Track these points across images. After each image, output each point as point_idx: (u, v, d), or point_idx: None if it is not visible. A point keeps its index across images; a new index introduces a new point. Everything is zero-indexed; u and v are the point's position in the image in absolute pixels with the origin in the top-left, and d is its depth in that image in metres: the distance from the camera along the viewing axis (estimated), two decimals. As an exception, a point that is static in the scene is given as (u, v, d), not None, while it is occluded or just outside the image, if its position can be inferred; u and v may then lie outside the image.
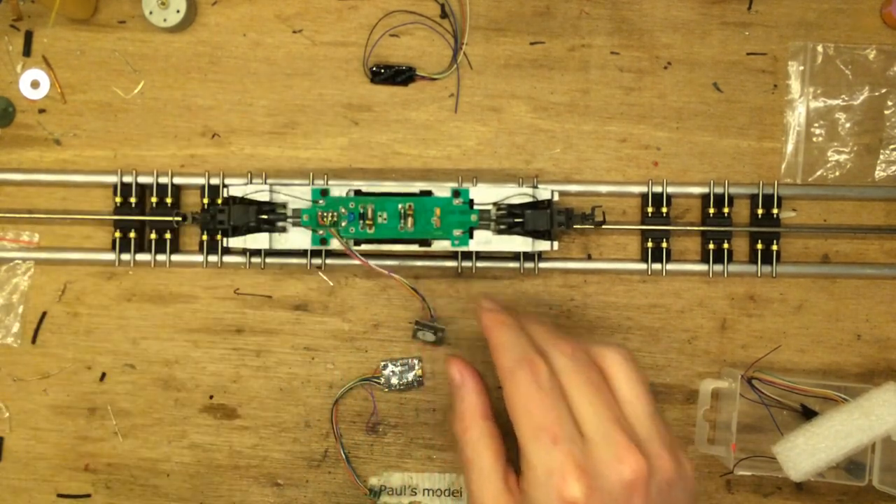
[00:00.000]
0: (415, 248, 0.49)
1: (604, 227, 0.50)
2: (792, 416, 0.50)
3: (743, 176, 0.52)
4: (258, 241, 0.48)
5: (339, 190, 0.49)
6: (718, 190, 0.51)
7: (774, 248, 0.51)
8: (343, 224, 0.49)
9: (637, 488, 0.36)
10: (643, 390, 0.39)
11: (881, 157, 0.52)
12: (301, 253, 0.50)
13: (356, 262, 0.48)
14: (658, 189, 0.51)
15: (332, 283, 0.52)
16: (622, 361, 0.39)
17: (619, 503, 0.36)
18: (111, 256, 0.51)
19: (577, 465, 0.36)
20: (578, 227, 0.49)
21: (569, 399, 0.37)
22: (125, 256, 0.50)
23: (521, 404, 0.37)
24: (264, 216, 0.48)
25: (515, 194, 0.49)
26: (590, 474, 0.36)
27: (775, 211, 0.51)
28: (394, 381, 0.51)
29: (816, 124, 0.52)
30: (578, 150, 0.52)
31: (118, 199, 0.50)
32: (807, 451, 0.45)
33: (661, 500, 0.37)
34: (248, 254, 0.50)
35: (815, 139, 0.52)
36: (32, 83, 0.52)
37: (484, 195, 0.49)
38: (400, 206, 0.48)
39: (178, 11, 0.50)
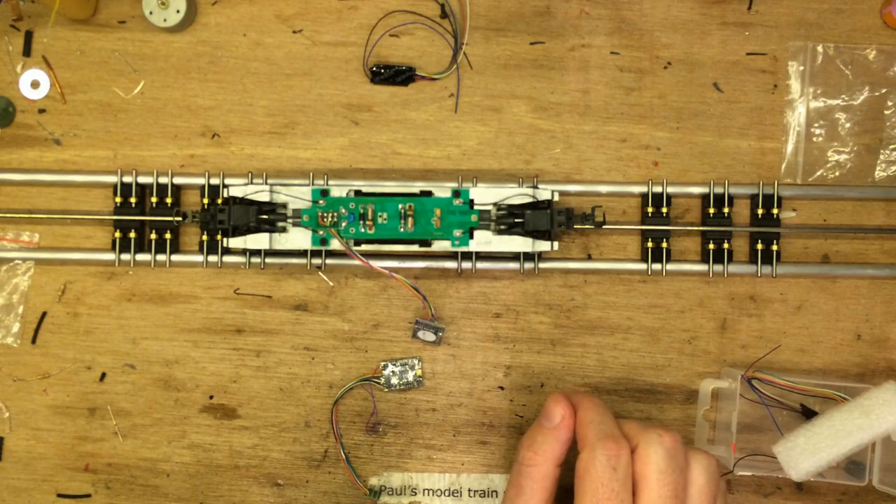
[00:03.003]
0: (415, 248, 0.49)
1: (604, 227, 0.50)
2: (792, 416, 0.50)
3: (743, 176, 0.52)
4: (258, 241, 0.48)
5: (339, 190, 0.49)
6: (718, 190, 0.51)
7: (774, 248, 0.51)
8: (343, 224, 0.49)
9: None
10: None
11: (881, 157, 0.52)
12: (301, 253, 0.50)
13: (356, 262, 0.48)
14: (658, 189, 0.51)
15: (332, 283, 0.52)
16: (709, 470, 0.40)
17: None
18: (111, 256, 0.51)
19: None
20: (578, 227, 0.49)
21: (641, 490, 0.38)
22: (125, 256, 0.50)
23: (590, 482, 0.38)
24: (264, 216, 0.48)
25: (515, 194, 0.49)
26: None
27: (775, 211, 0.51)
28: (394, 381, 0.51)
29: (816, 124, 0.52)
30: (578, 150, 0.52)
31: (118, 199, 0.50)
32: (807, 451, 0.45)
33: None
34: (248, 254, 0.50)
35: (815, 139, 0.52)
36: (32, 83, 0.52)
37: (484, 195, 0.49)
38: (400, 206, 0.49)
39: (178, 11, 0.50)
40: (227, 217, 0.48)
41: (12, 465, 0.51)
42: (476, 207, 0.49)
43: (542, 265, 0.50)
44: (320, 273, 0.52)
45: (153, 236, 0.50)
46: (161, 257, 0.50)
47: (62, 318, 0.51)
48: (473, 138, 0.52)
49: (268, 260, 0.50)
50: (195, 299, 0.51)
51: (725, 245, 0.51)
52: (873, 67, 0.52)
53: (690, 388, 0.52)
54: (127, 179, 0.51)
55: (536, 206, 0.49)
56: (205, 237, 0.51)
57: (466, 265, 0.50)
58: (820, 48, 0.52)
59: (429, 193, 0.49)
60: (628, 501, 0.37)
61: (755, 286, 0.52)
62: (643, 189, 0.51)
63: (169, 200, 0.51)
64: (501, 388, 0.51)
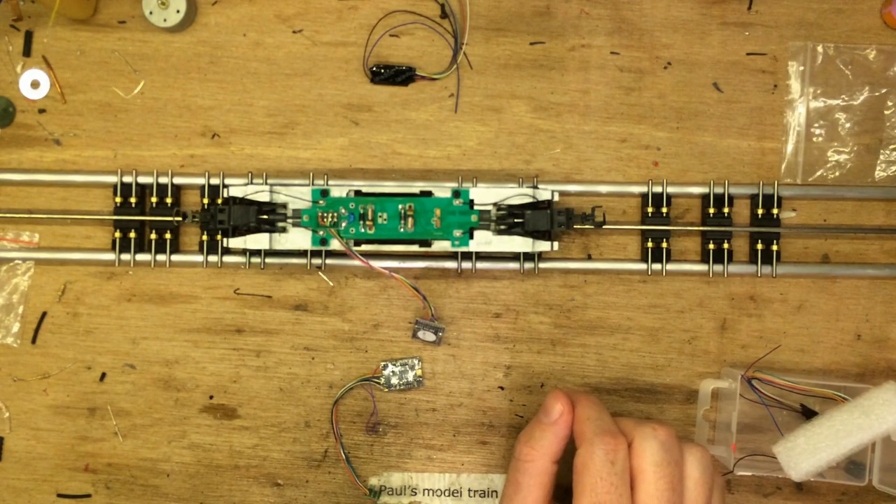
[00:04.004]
0: (415, 248, 0.49)
1: (604, 227, 0.50)
2: (792, 416, 0.50)
3: (743, 176, 0.52)
4: (258, 241, 0.48)
5: (339, 190, 0.49)
6: (718, 190, 0.51)
7: (774, 248, 0.51)
8: (343, 224, 0.49)
9: None
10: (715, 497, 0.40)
11: (881, 157, 0.52)
12: (301, 253, 0.50)
13: (356, 262, 0.48)
14: (658, 189, 0.51)
15: (332, 283, 0.52)
16: (703, 463, 0.40)
17: None
18: (111, 256, 0.51)
19: None
20: (578, 227, 0.49)
21: (639, 484, 0.38)
22: (125, 256, 0.50)
23: (588, 476, 0.38)
24: (264, 216, 0.48)
25: (515, 195, 0.49)
26: None
27: (775, 211, 0.51)
28: (394, 381, 0.51)
29: (816, 124, 0.52)
30: (578, 150, 0.52)
31: (118, 199, 0.50)
32: (807, 451, 0.45)
33: None
34: (248, 254, 0.50)
35: (815, 139, 0.52)
36: (32, 83, 0.52)
37: (484, 195, 0.49)
38: (400, 206, 0.49)
39: (178, 11, 0.50)
40: (227, 217, 0.48)
41: (12, 465, 0.51)
42: (476, 207, 0.49)
43: (542, 265, 0.50)
44: (320, 273, 0.52)
45: (153, 236, 0.50)
46: (161, 257, 0.50)
47: (62, 318, 0.51)
48: (473, 138, 0.52)
49: (268, 260, 0.50)
50: (195, 299, 0.51)
51: (725, 245, 0.51)
52: (873, 67, 0.52)
53: (690, 388, 0.52)
54: (127, 179, 0.51)
55: (536, 206, 0.49)
56: (205, 237, 0.51)
57: (466, 265, 0.50)
58: (820, 48, 0.52)
59: (429, 193, 0.49)
60: (626, 495, 0.37)
61: (755, 286, 0.52)
62: (643, 189, 0.51)
63: (169, 200, 0.51)
64: (501, 388, 0.51)
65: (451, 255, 0.51)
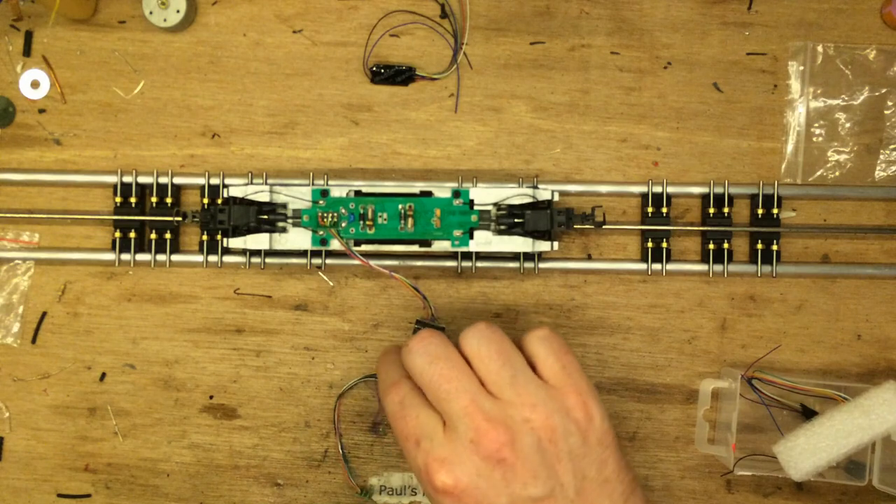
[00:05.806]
0: (415, 248, 0.49)
1: (604, 227, 0.50)
2: (792, 416, 0.50)
3: (743, 176, 0.52)
4: (258, 241, 0.48)
5: (339, 190, 0.49)
6: (718, 190, 0.51)
7: (774, 248, 0.51)
8: (343, 224, 0.49)
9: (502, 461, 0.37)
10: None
11: (881, 157, 0.52)
12: (301, 253, 0.50)
13: (356, 262, 0.48)
14: (658, 189, 0.51)
15: (332, 283, 0.52)
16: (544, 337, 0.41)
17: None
18: (111, 256, 0.51)
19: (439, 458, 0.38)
20: (578, 227, 0.49)
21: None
22: (125, 256, 0.50)
23: (391, 419, 0.41)
24: (264, 216, 0.48)
25: (515, 195, 0.49)
26: (452, 462, 0.37)
27: (775, 211, 0.51)
28: (394, 381, 0.51)
29: (816, 124, 0.52)
30: (578, 150, 0.52)
31: (118, 199, 0.50)
32: (807, 451, 0.45)
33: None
34: (248, 254, 0.50)
35: (815, 139, 0.52)
36: (32, 83, 0.52)
37: (484, 195, 0.49)
38: (400, 206, 0.48)
39: (178, 11, 0.50)
40: (227, 217, 0.48)
41: (12, 465, 0.51)
42: (476, 207, 0.49)
43: (542, 265, 0.50)
44: (320, 273, 0.52)
45: (153, 236, 0.50)
46: (161, 257, 0.50)
47: (62, 318, 0.51)
48: (473, 138, 0.52)
49: (268, 260, 0.50)
50: (195, 299, 0.51)
51: (725, 245, 0.51)
52: (873, 67, 0.52)
53: (690, 388, 0.52)
54: (127, 179, 0.51)
55: (536, 206, 0.49)
56: (205, 237, 0.51)
57: (466, 265, 0.50)
58: (820, 48, 0.52)
59: (429, 193, 0.49)
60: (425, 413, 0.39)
61: (755, 286, 0.52)
62: (643, 189, 0.51)
63: (169, 200, 0.51)
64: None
65: (451, 255, 0.51)
